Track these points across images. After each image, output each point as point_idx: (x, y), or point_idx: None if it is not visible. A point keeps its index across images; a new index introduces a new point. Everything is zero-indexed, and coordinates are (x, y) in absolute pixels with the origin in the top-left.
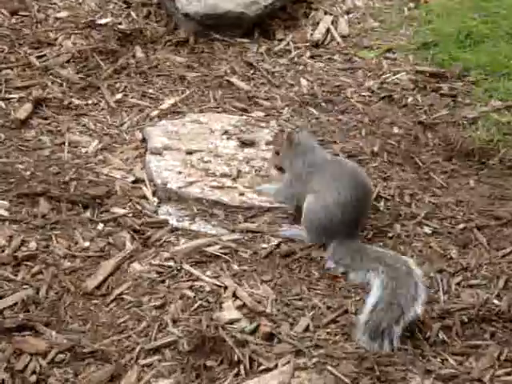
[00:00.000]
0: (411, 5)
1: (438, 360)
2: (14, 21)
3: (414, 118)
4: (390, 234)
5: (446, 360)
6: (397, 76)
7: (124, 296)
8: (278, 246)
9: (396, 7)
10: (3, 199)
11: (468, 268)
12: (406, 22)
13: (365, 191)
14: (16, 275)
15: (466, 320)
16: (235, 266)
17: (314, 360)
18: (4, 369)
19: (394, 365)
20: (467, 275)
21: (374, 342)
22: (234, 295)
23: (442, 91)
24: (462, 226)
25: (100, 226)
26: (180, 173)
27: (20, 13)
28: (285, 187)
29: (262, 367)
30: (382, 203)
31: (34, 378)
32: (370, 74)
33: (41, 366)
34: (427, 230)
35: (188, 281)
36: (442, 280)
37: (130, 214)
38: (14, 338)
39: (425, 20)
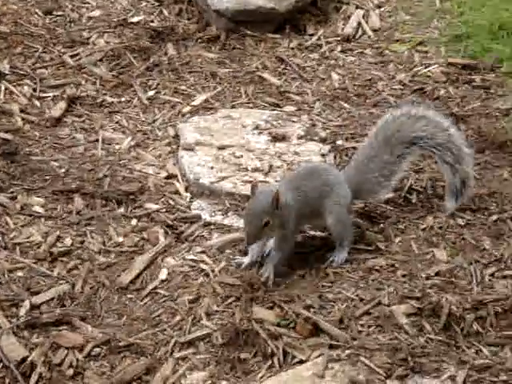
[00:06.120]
0: None
1: (473, 351)
2: (47, 21)
3: (446, 110)
4: (423, 226)
5: (481, 351)
6: (429, 69)
7: (158, 290)
8: (312, 238)
9: (427, 0)
10: (39, 196)
11: (501, 259)
12: (437, 15)
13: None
14: (52, 271)
15: (500, 310)
16: None
17: (348, 352)
18: (42, 363)
19: (428, 356)
20: (500, 266)
21: None
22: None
23: (474, 83)
24: (495, 217)
25: (134, 222)
26: (212, 168)
27: (54, 13)
28: (287, 239)
29: (296, 359)
30: (414, 196)
31: (71, 371)
32: (401, 67)
33: (77, 359)
34: (460, 221)
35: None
36: (475, 271)
37: (163, 210)
38: (51, 333)
39: (457, 12)
